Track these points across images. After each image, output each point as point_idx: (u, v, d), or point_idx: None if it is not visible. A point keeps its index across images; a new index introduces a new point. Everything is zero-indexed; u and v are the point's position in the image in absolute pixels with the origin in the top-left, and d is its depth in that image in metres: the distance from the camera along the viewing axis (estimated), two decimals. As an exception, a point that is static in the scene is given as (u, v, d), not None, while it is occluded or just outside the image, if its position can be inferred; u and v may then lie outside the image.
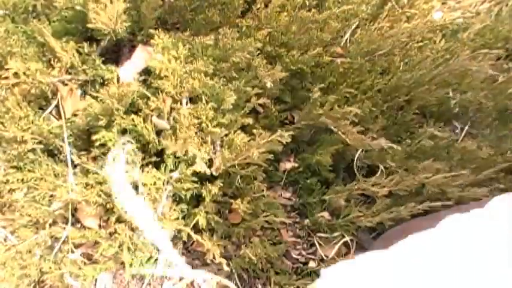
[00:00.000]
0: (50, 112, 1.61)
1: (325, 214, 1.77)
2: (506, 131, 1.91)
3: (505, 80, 1.94)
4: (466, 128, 1.91)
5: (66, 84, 1.60)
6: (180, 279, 1.61)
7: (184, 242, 1.65)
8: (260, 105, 1.69)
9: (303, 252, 1.75)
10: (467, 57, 1.74)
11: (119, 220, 1.55)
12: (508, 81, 1.93)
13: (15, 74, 1.48)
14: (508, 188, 1.69)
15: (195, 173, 1.48)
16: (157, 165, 1.53)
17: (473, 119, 1.98)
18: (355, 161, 1.70)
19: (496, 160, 1.70)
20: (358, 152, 1.74)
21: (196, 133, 1.49)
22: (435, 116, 1.92)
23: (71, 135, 1.57)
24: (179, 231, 1.58)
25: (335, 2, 1.87)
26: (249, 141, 1.46)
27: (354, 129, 1.54)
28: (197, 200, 1.62)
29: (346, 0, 1.86)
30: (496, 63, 2.03)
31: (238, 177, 1.59)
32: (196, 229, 1.57)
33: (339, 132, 1.58)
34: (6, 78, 1.49)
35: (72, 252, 1.53)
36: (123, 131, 1.53)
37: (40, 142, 1.53)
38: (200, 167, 1.41)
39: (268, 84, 1.54)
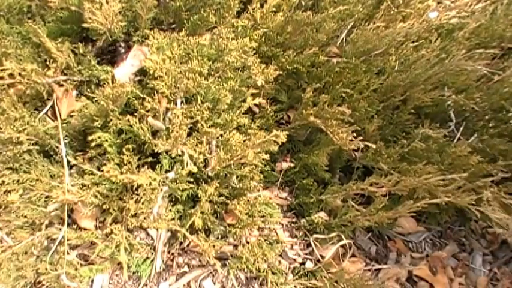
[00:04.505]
0: (46, 113, 1.62)
1: (322, 214, 1.77)
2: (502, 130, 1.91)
3: (500, 79, 1.94)
4: (461, 128, 1.91)
5: (62, 85, 1.60)
6: (177, 279, 1.61)
7: (181, 243, 1.65)
8: (256, 105, 1.70)
9: (300, 253, 1.75)
10: (463, 56, 1.74)
11: (115, 221, 1.55)
12: (503, 81, 1.92)
13: (11, 75, 1.48)
14: (495, 198, 1.69)
15: (190, 174, 1.48)
16: (153, 166, 1.53)
17: (469, 118, 1.99)
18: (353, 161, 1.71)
19: (485, 168, 1.70)
20: (357, 153, 1.75)
21: (191, 133, 1.49)
22: (430, 116, 1.92)
23: (66, 136, 1.57)
24: (175, 231, 1.58)
25: (331, 2, 1.87)
26: (244, 141, 1.46)
27: (341, 129, 1.53)
28: (193, 200, 1.62)
29: (341, 0, 1.86)
30: (492, 63, 2.04)
31: (234, 177, 1.59)
32: (193, 229, 1.57)
33: (328, 132, 1.57)
34: (1, 78, 1.49)
35: (69, 253, 1.53)
36: (119, 132, 1.53)
37: (36, 143, 1.53)
38: (186, 164, 1.40)
39: (259, 82, 1.54)
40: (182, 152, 1.43)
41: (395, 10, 1.94)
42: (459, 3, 1.93)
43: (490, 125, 1.97)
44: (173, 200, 1.61)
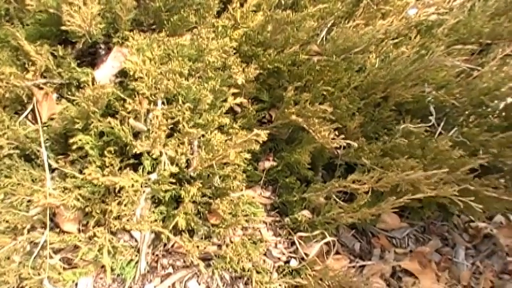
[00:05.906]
0: (26, 116, 1.60)
1: (306, 213, 1.78)
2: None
3: (479, 75, 1.96)
4: (442, 124, 1.93)
5: (42, 88, 1.58)
6: (162, 281, 1.61)
7: (165, 244, 1.65)
8: (237, 104, 1.70)
9: (284, 251, 1.76)
10: (442, 52, 1.76)
11: (98, 224, 1.54)
12: (482, 76, 1.95)
13: (-11, 79, 1.47)
14: (478, 191, 1.70)
15: (173, 175, 1.48)
16: (135, 168, 1.52)
17: (449, 114, 2.00)
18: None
19: (467, 162, 1.72)
20: (339, 151, 1.75)
21: (172, 134, 1.49)
22: (411, 113, 1.94)
23: (47, 139, 1.56)
24: (159, 233, 1.58)
25: (310, 0, 1.87)
26: (226, 141, 1.46)
27: (323, 127, 1.54)
28: (176, 201, 1.62)
29: (321, -1, 1.87)
30: (471, 58, 2.06)
31: (217, 177, 1.59)
32: (176, 230, 1.57)
33: (310, 131, 1.58)
34: (-21, 83, 1.48)
35: (52, 257, 1.52)
36: (100, 134, 1.52)
37: (16, 147, 1.52)
38: (165, 164, 1.41)
39: (240, 81, 1.54)
40: (160, 152, 1.43)
41: (375, 7, 1.94)
42: (437, 0, 1.95)
43: (470, 119, 1.99)
44: (156, 201, 1.60)
